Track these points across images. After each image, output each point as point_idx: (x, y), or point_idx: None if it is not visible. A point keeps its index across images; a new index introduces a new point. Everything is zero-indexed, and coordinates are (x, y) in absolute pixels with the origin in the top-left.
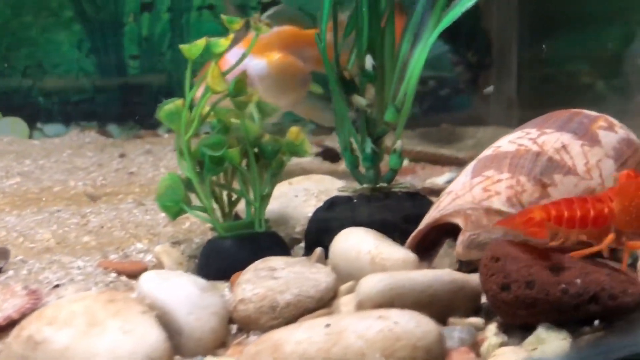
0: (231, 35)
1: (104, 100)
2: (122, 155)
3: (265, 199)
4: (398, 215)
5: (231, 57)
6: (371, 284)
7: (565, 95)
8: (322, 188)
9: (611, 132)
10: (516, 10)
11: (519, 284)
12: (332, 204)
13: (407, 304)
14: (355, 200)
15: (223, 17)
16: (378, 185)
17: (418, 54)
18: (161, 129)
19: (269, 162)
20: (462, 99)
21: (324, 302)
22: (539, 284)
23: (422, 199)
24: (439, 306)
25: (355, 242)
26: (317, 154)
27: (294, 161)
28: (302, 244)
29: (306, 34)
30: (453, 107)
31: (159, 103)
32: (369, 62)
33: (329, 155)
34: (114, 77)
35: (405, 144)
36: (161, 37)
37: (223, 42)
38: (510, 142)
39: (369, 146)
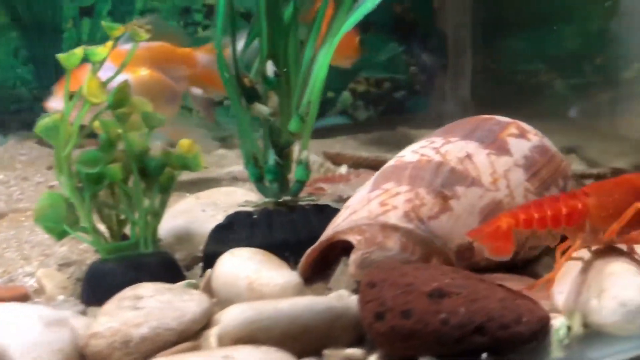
0: (110, 43)
1: (43, 109)
2: (49, 168)
3: (155, 216)
4: (301, 231)
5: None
6: (231, 316)
7: (521, 95)
8: (232, 201)
9: (523, 139)
10: (470, 10)
11: (394, 313)
12: (231, 220)
13: (274, 336)
14: (255, 216)
15: (103, 23)
16: (283, 199)
17: (322, 58)
18: None
19: (156, 178)
20: (418, 101)
21: (190, 334)
22: (417, 314)
23: (331, 213)
24: (314, 337)
25: (235, 266)
26: None
27: (226, 170)
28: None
29: (181, 52)
30: (409, 110)
31: None
32: (270, 68)
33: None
34: (53, 85)
35: (355, 148)
36: (102, 42)
37: (101, 50)
38: (413, 152)
39: (271, 158)
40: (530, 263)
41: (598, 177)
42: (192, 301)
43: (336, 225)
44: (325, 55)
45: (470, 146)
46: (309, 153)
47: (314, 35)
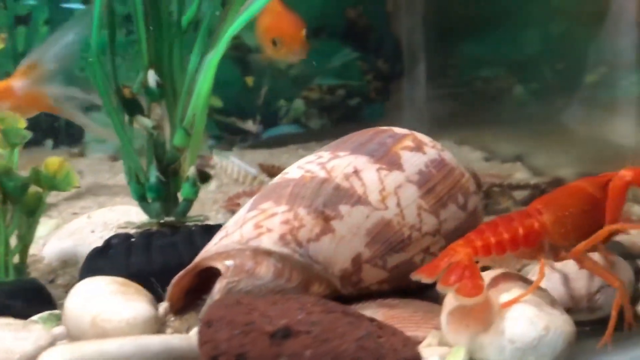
0: None
1: None
2: None
3: (23, 241)
4: (182, 255)
5: None
6: None
7: (478, 101)
8: (124, 221)
9: (418, 152)
10: (423, 13)
11: (228, 357)
12: (107, 244)
13: None
14: (133, 239)
15: None
16: (167, 220)
17: (207, 67)
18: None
19: (19, 199)
20: (373, 109)
21: None
22: (253, 358)
23: None
24: None
25: (83, 298)
26: None
27: None
28: None
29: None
30: (364, 117)
31: (41, 122)
32: (151, 78)
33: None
34: None
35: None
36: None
37: None
38: (298, 167)
39: (153, 174)
40: (428, 285)
41: (534, 187)
42: (28, 339)
43: (206, 250)
44: (211, 63)
45: (359, 161)
46: (195, 169)
47: (200, 41)
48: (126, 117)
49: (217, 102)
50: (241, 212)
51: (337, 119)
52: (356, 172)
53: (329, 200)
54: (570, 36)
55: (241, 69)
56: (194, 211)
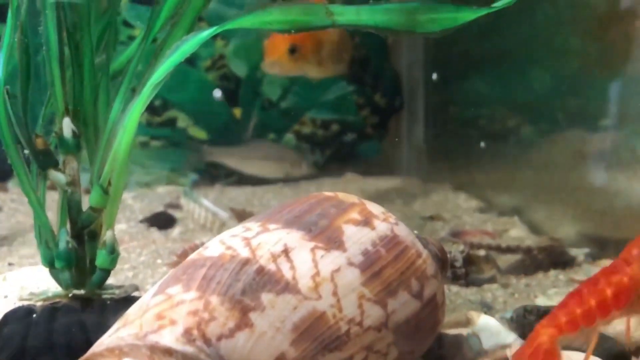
0: None
1: None
2: None
3: None
4: (90, 336)
5: None
6: None
7: (479, 142)
8: (44, 285)
9: (366, 227)
10: (425, 46)
11: None
12: (5, 320)
13: None
14: (35, 315)
15: None
16: (78, 293)
17: (129, 117)
18: (12, 181)
19: None
20: (369, 146)
21: None
22: None
23: None
24: None
25: None
26: (143, 220)
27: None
28: None
29: None
30: (359, 154)
31: None
32: (67, 127)
33: (160, 220)
34: None
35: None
36: None
37: None
38: (220, 242)
39: (63, 239)
40: None
41: (526, 252)
42: None
43: (98, 344)
44: (133, 113)
45: (292, 237)
46: (113, 233)
47: (125, 86)
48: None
49: (201, 134)
50: (146, 296)
51: (329, 155)
52: (286, 251)
53: (250, 287)
54: (578, 80)
55: (229, 99)
56: (147, 262)
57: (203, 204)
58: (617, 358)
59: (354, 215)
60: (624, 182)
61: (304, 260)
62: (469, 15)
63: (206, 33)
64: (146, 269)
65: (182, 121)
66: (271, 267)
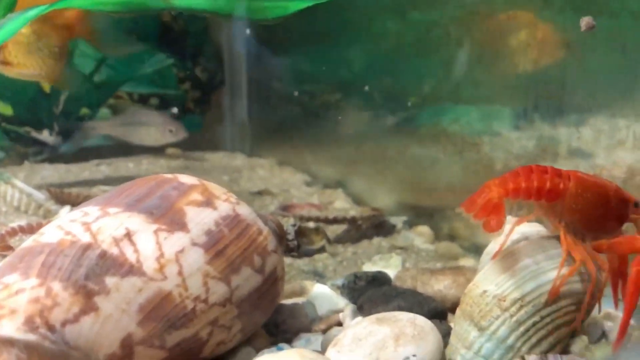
0: None
1: None
2: None
3: None
4: None
5: None
6: None
7: (303, 119)
8: None
9: (208, 208)
10: (245, 24)
11: None
12: None
13: None
14: None
15: None
16: None
17: None
18: None
19: None
20: (191, 120)
21: None
22: None
23: None
24: None
25: None
26: None
27: None
28: None
29: None
30: None
31: None
32: None
33: None
34: None
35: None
36: None
37: None
38: (58, 227)
39: None
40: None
41: (350, 221)
42: None
43: None
44: None
45: (134, 220)
46: None
47: None
48: None
49: (7, 109)
50: None
51: None
52: (129, 235)
53: (93, 271)
54: (393, 61)
55: None
56: None
57: (16, 185)
58: (436, 315)
59: (196, 196)
60: (434, 154)
61: (147, 242)
62: (299, 4)
63: (34, 11)
64: None
65: None
66: (114, 250)
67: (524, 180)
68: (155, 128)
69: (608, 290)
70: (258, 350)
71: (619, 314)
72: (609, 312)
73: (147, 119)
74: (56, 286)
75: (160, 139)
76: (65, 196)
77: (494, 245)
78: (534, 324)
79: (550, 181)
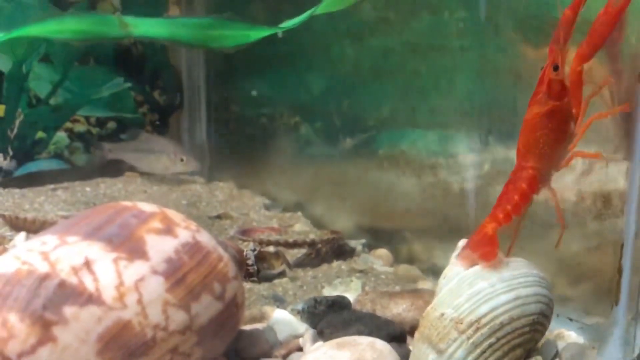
0: None
1: None
2: None
3: None
4: None
5: None
6: None
7: (262, 140)
8: None
9: (168, 236)
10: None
11: None
12: None
13: None
14: None
15: None
16: None
17: None
18: None
19: None
20: None
21: None
22: None
23: None
24: None
25: None
26: None
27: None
28: None
29: None
30: None
31: None
32: None
33: None
34: None
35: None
36: None
37: None
38: (14, 257)
39: None
40: None
41: (310, 245)
42: None
43: None
44: None
45: (93, 249)
46: None
47: None
48: None
49: None
50: None
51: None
52: (88, 264)
53: (51, 301)
54: (351, 86)
55: None
56: None
57: None
58: (395, 338)
59: (155, 224)
60: (392, 177)
61: (107, 271)
62: (259, 33)
63: None
64: None
65: None
66: (73, 280)
67: (508, 203)
68: (167, 157)
69: (558, 311)
70: None
71: (572, 334)
72: (562, 332)
73: (160, 147)
74: (12, 317)
75: (171, 167)
76: (21, 222)
77: (451, 267)
78: (490, 346)
79: (523, 182)
